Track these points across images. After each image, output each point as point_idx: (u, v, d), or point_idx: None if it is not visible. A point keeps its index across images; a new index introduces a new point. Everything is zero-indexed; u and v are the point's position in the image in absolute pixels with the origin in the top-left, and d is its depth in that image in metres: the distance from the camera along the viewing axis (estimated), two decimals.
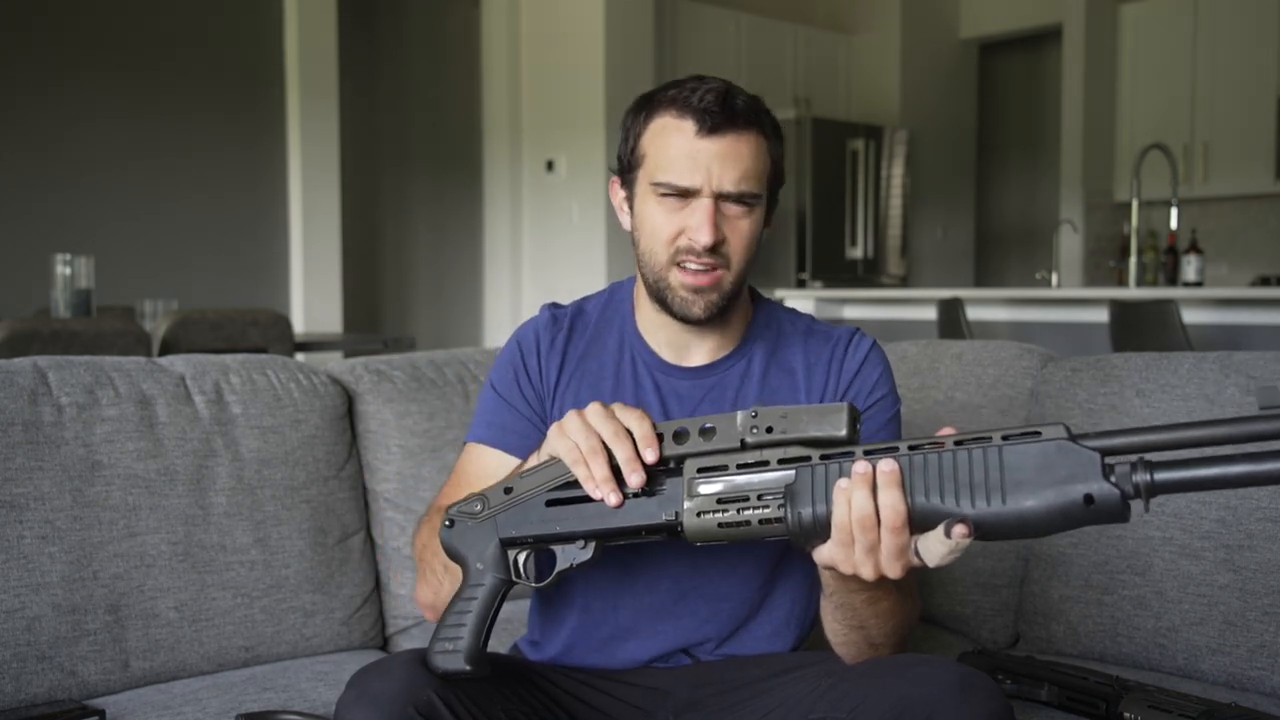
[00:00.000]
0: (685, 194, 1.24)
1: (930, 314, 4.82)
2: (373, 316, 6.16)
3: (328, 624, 1.65)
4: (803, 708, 1.16)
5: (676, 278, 1.26)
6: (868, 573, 0.99)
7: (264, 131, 5.56)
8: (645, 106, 1.30)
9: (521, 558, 1.14)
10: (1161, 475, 0.88)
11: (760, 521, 1.01)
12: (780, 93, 6.99)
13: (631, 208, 1.32)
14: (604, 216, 5.84)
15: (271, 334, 3.49)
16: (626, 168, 1.32)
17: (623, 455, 1.06)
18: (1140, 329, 3.98)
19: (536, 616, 1.38)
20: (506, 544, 1.14)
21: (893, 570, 0.99)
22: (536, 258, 6.28)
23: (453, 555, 1.17)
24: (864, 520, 0.97)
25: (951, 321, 4.54)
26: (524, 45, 6.22)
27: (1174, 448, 0.89)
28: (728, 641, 1.32)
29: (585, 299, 1.44)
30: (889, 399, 1.35)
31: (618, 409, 1.10)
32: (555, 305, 1.43)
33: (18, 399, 1.48)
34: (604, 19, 5.73)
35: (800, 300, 5.20)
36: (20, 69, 4.84)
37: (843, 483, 0.98)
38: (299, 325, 5.47)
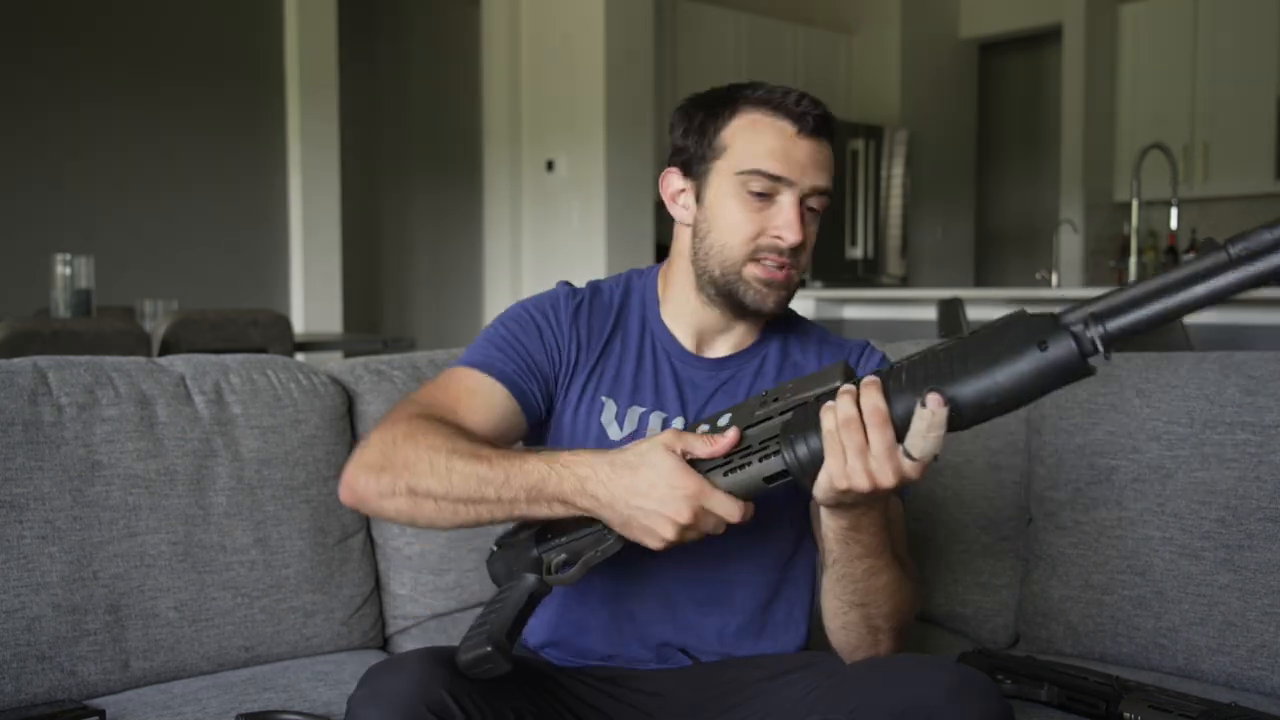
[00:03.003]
0: (773, 188, 1.26)
1: (930, 314, 4.82)
2: (373, 316, 6.16)
3: (328, 624, 1.65)
4: (801, 709, 1.16)
5: (752, 272, 1.28)
6: (862, 481, 1.02)
7: (264, 131, 5.56)
8: (725, 102, 1.31)
9: (555, 559, 1.17)
10: (1112, 323, 0.93)
11: (760, 459, 1.07)
12: None
13: (699, 199, 1.32)
14: (604, 216, 5.84)
15: (271, 334, 3.49)
16: (698, 159, 1.32)
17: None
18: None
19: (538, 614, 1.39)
20: (542, 549, 1.18)
21: (885, 474, 1.01)
22: (536, 258, 6.28)
23: (496, 578, 1.22)
24: (849, 421, 1.01)
25: (951, 321, 4.54)
26: (524, 45, 6.21)
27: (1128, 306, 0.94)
28: (728, 642, 1.32)
29: (599, 281, 1.44)
30: None
31: (704, 493, 1.10)
32: (568, 284, 1.42)
33: (18, 399, 1.48)
34: (604, 19, 5.72)
35: (800, 300, 5.20)
36: (20, 69, 4.84)
37: (829, 403, 1.03)
38: (299, 325, 5.47)
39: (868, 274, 6.92)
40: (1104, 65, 6.90)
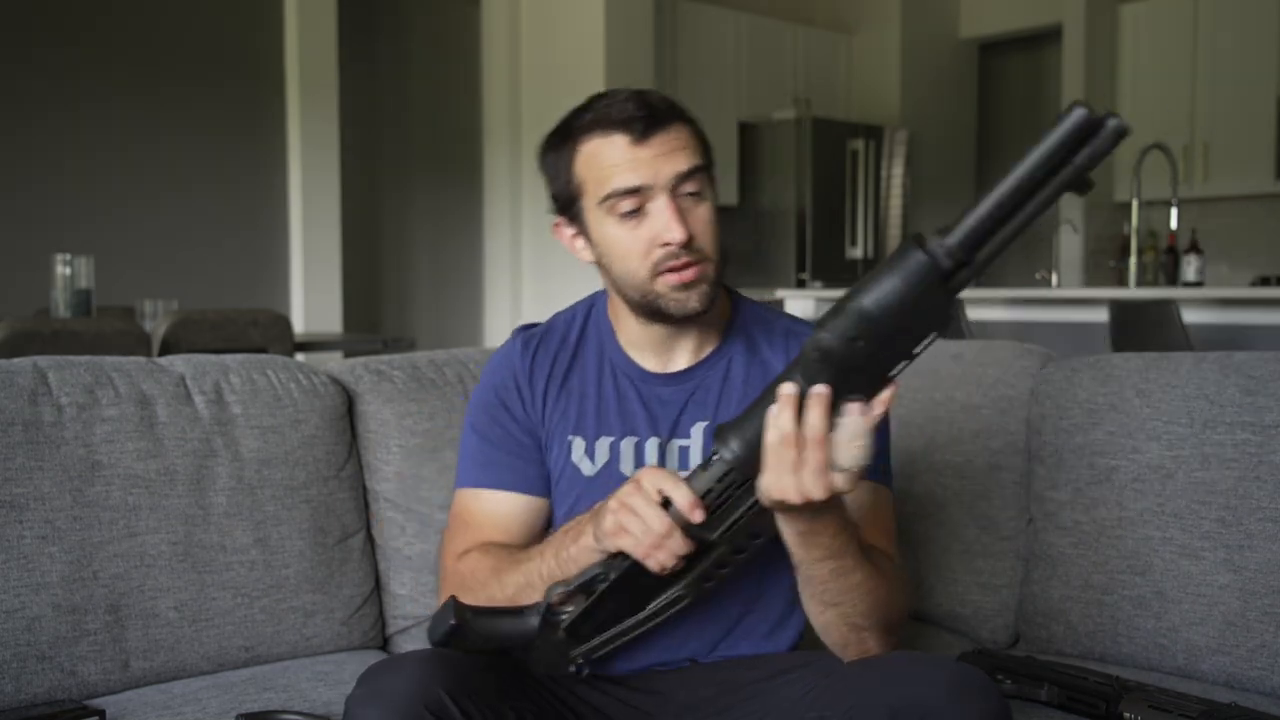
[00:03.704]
0: (639, 202, 1.24)
1: None
2: (373, 316, 6.15)
3: (328, 624, 1.65)
4: (799, 709, 1.16)
5: (663, 284, 1.26)
6: (793, 495, 1.03)
7: (264, 131, 5.56)
8: (565, 139, 1.30)
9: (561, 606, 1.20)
10: (952, 237, 0.96)
11: (705, 466, 1.10)
12: (780, 93, 7.00)
13: (588, 238, 1.31)
14: None
15: (271, 334, 3.49)
16: (567, 204, 1.32)
17: (680, 550, 1.11)
18: (1140, 329, 3.98)
19: None
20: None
21: (816, 489, 1.03)
22: (536, 257, 6.28)
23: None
24: (786, 439, 1.02)
25: (951, 321, 4.54)
26: (524, 45, 6.21)
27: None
28: (724, 642, 1.32)
29: (556, 315, 1.45)
30: None
31: (646, 478, 1.12)
32: (526, 328, 1.44)
33: (18, 399, 1.48)
34: (604, 19, 5.72)
35: (800, 300, 5.20)
36: (20, 69, 4.84)
37: (772, 409, 1.03)
38: (299, 325, 5.47)
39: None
40: (1104, 65, 6.90)
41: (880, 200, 6.98)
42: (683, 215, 1.24)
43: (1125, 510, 1.61)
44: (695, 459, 1.31)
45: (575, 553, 1.20)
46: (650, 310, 1.29)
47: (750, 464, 1.06)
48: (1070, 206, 6.91)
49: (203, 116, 5.35)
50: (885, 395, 1.03)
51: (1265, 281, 6.04)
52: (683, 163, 1.25)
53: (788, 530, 1.12)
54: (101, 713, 1.38)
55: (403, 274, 6.29)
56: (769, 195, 6.83)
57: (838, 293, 5.30)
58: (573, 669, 1.20)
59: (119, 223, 5.08)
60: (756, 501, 1.09)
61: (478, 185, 6.47)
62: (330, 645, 1.65)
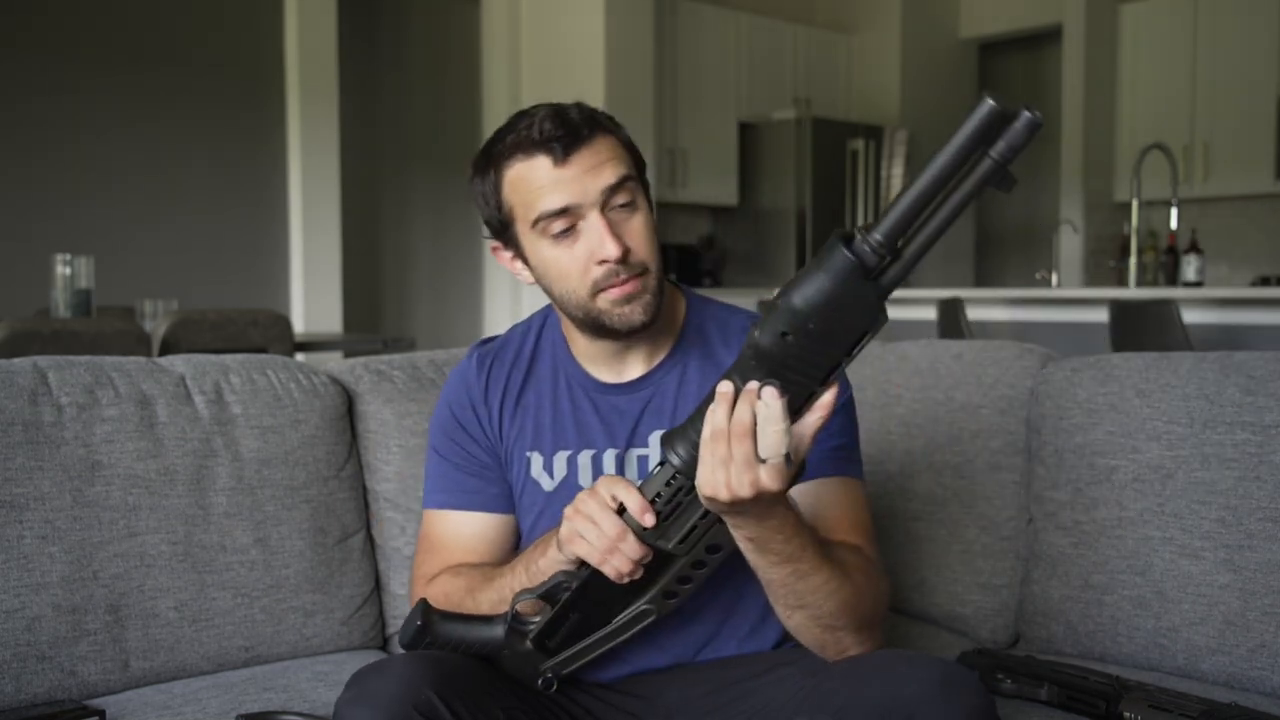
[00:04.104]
0: (571, 221, 1.23)
1: (930, 314, 4.82)
2: (373, 316, 6.15)
3: (328, 624, 1.65)
4: (787, 710, 1.16)
5: (604, 300, 1.25)
6: (721, 491, 1.02)
7: (264, 132, 5.56)
8: (487, 166, 1.28)
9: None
10: (876, 233, 0.95)
11: (655, 471, 1.10)
12: (780, 93, 7.00)
13: (527, 262, 1.31)
14: None
15: (271, 334, 3.49)
16: (500, 229, 1.31)
17: (634, 554, 1.12)
18: (1140, 329, 3.98)
19: None
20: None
21: (741, 485, 1.02)
22: None
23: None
24: (717, 434, 1.02)
25: (951, 321, 4.54)
26: (524, 45, 6.21)
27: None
28: (707, 647, 1.32)
29: (513, 328, 1.45)
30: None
31: (602, 485, 1.13)
32: (483, 343, 1.45)
33: (18, 399, 1.48)
34: (604, 19, 5.73)
35: None
36: (20, 70, 4.84)
37: (711, 407, 1.03)
38: (299, 325, 5.47)
39: None
40: (1104, 65, 6.90)
41: (880, 200, 6.98)
42: (616, 229, 1.23)
43: (1125, 510, 1.61)
44: (653, 466, 1.31)
45: (544, 565, 1.21)
46: (595, 326, 1.28)
47: (695, 466, 1.06)
48: (1070, 206, 6.91)
49: (203, 117, 5.35)
50: (826, 399, 1.02)
51: (1265, 281, 6.04)
52: (609, 176, 1.23)
53: (738, 537, 1.11)
54: (101, 713, 1.38)
55: (403, 274, 6.29)
56: (769, 195, 6.83)
57: None
58: (540, 682, 1.21)
59: (119, 223, 5.08)
60: (708, 510, 1.09)
61: None
62: (330, 645, 1.65)
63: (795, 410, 1.02)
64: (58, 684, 1.44)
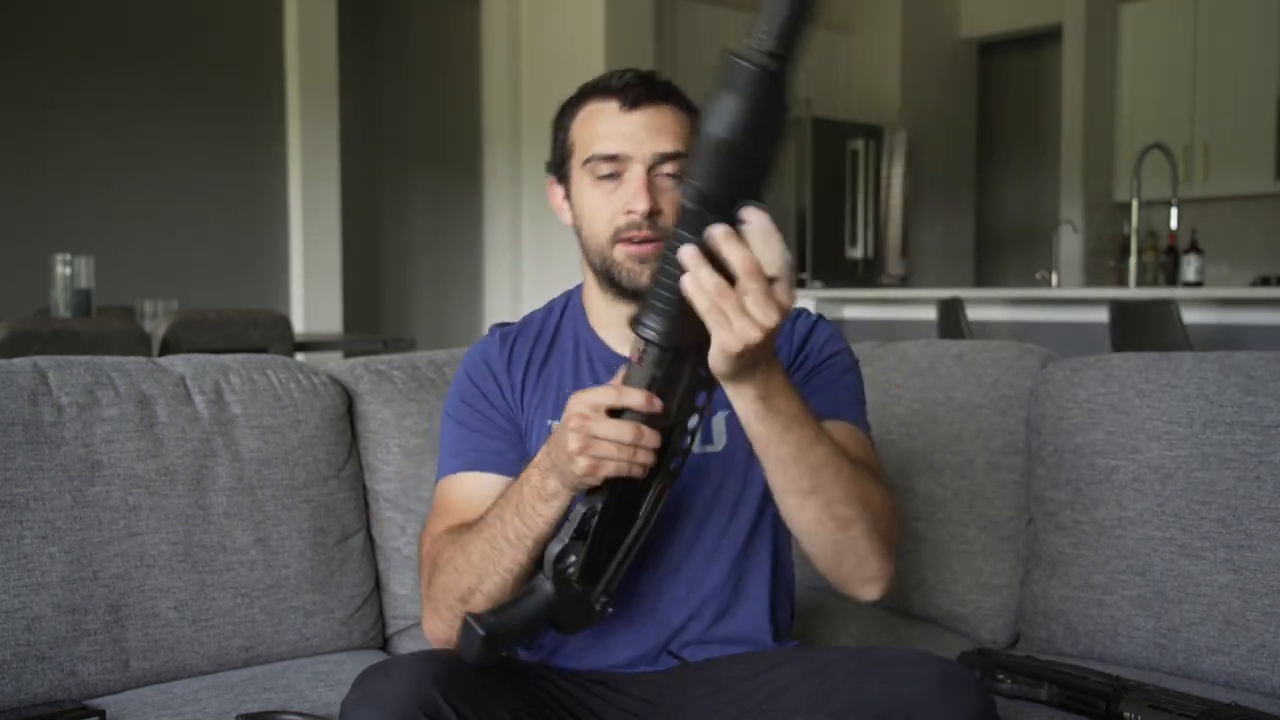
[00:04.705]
0: (617, 167, 1.28)
1: (930, 314, 4.82)
2: (373, 316, 6.15)
3: (328, 624, 1.65)
4: (787, 709, 1.16)
5: (621, 252, 1.29)
6: (753, 333, 1.00)
7: (264, 131, 5.56)
8: (571, 103, 1.36)
9: (560, 560, 1.16)
10: (765, 41, 0.95)
11: (638, 361, 1.09)
12: None
13: (570, 199, 1.36)
14: None
15: (271, 334, 3.49)
16: (559, 162, 1.37)
17: (654, 443, 1.09)
18: (1140, 329, 3.98)
19: None
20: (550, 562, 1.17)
21: (770, 315, 1.00)
22: (536, 257, 6.28)
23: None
24: (720, 290, 0.99)
25: (951, 321, 4.54)
26: (524, 45, 6.21)
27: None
28: (709, 632, 1.32)
29: (533, 313, 1.48)
30: (843, 354, 1.39)
31: (583, 405, 1.10)
32: (503, 325, 1.46)
33: (18, 399, 1.48)
34: (604, 19, 5.72)
35: (800, 300, 5.19)
36: (20, 70, 4.84)
37: (685, 278, 1.00)
38: (299, 325, 5.47)
39: (868, 274, 6.92)
40: (1104, 65, 6.90)
41: (880, 200, 6.98)
42: (653, 189, 1.28)
43: (1125, 510, 1.61)
44: None
45: (542, 508, 1.18)
46: (608, 277, 1.32)
47: (674, 334, 1.06)
48: (1070, 206, 6.91)
49: (203, 116, 5.35)
50: (759, 219, 1.02)
51: (1265, 281, 6.04)
52: (666, 143, 1.28)
53: (744, 407, 1.10)
54: (101, 713, 1.38)
55: (403, 274, 6.29)
56: (769, 195, 6.82)
57: (838, 293, 5.31)
58: (600, 608, 1.18)
59: (119, 223, 5.08)
60: (692, 365, 1.08)
61: (478, 185, 6.47)
62: (330, 645, 1.65)
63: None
64: (58, 684, 1.44)
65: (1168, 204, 5.58)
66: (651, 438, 1.09)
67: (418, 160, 6.25)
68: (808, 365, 1.36)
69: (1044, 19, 7.16)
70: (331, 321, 5.69)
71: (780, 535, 1.37)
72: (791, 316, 1.38)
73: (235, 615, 1.57)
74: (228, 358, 1.73)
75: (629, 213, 1.27)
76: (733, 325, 1.00)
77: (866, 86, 7.44)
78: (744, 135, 0.98)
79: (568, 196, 1.37)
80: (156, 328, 3.30)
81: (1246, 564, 1.50)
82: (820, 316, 1.42)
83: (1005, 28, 7.46)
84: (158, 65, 5.21)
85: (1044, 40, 7.65)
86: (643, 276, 1.28)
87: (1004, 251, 8.17)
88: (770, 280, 1.00)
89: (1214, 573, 1.53)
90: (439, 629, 1.29)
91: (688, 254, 1.00)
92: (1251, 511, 1.51)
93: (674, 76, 1.38)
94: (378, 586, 1.74)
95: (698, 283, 0.99)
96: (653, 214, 1.27)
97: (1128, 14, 6.90)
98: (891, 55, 7.35)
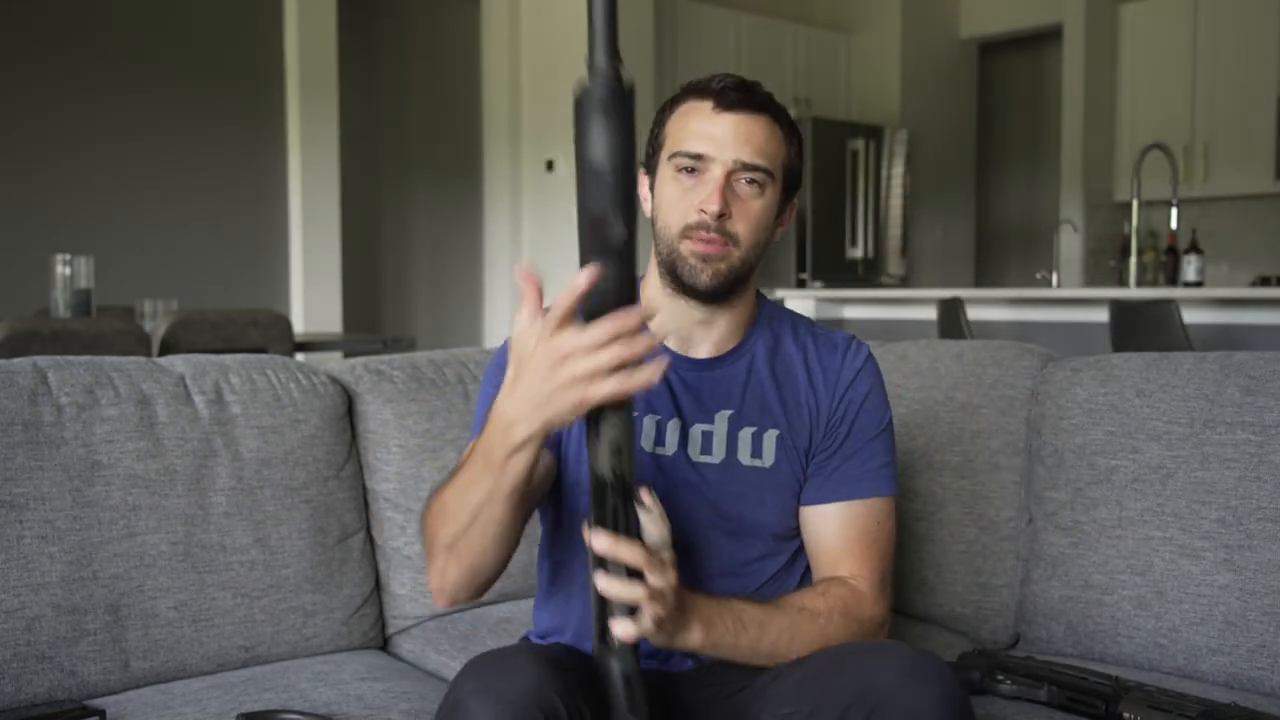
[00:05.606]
0: (698, 165, 1.30)
1: (930, 314, 4.82)
2: (373, 316, 6.16)
3: (328, 624, 1.65)
4: (773, 705, 1.18)
5: (687, 247, 1.30)
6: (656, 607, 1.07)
7: (264, 131, 5.56)
8: (672, 101, 1.38)
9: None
10: (602, 57, 1.06)
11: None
12: (780, 93, 6.91)
13: (653, 191, 1.37)
14: None
15: (271, 334, 3.49)
16: (650, 154, 1.38)
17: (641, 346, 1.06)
18: (1140, 329, 3.98)
19: (542, 610, 1.40)
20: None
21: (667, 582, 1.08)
22: (536, 258, 6.28)
23: None
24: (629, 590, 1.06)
25: (951, 321, 4.54)
26: (524, 45, 6.21)
27: None
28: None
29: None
30: (879, 411, 1.38)
31: (531, 341, 1.13)
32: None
33: (18, 399, 1.48)
34: None
35: (800, 300, 5.20)
36: (20, 69, 4.84)
37: (597, 577, 1.06)
38: (299, 325, 5.47)
39: (868, 274, 6.92)
40: (1104, 65, 6.90)
41: (880, 200, 6.98)
42: (729, 196, 1.29)
43: (1125, 510, 1.61)
44: (717, 443, 1.33)
45: (516, 461, 1.12)
46: (670, 270, 1.32)
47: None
48: (1070, 206, 6.91)
49: (203, 116, 5.35)
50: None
51: (1265, 281, 6.04)
52: (751, 153, 1.30)
53: (694, 649, 1.17)
54: (101, 713, 1.38)
55: (403, 274, 6.30)
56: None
57: (838, 293, 5.30)
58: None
59: (119, 223, 5.08)
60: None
61: (478, 185, 6.47)
62: (330, 645, 1.65)
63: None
64: (58, 684, 1.44)
65: (1168, 204, 5.57)
66: (641, 344, 1.05)
67: (418, 160, 6.26)
68: (843, 429, 1.35)
69: (1044, 19, 7.16)
70: (331, 321, 5.69)
71: (785, 562, 1.38)
72: (843, 345, 1.40)
73: (235, 615, 1.57)
74: (227, 358, 1.73)
75: (701, 211, 1.29)
76: (645, 614, 1.06)
77: (866, 86, 7.44)
78: (616, 152, 1.02)
79: (652, 188, 1.38)
80: (156, 328, 3.30)
81: (1246, 564, 1.50)
82: (869, 356, 1.40)
83: (1005, 28, 7.46)
84: (158, 65, 5.21)
85: (1044, 40, 7.66)
86: (701, 275, 1.30)
87: (1004, 251, 8.17)
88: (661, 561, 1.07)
89: (1214, 573, 1.53)
90: (433, 579, 1.27)
91: (599, 546, 1.04)
92: (1251, 511, 1.51)
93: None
94: (378, 586, 1.74)
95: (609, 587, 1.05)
96: (722, 216, 1.29)
97: (1128, 14, 6.90)
98: (891, 55, 7.35)
